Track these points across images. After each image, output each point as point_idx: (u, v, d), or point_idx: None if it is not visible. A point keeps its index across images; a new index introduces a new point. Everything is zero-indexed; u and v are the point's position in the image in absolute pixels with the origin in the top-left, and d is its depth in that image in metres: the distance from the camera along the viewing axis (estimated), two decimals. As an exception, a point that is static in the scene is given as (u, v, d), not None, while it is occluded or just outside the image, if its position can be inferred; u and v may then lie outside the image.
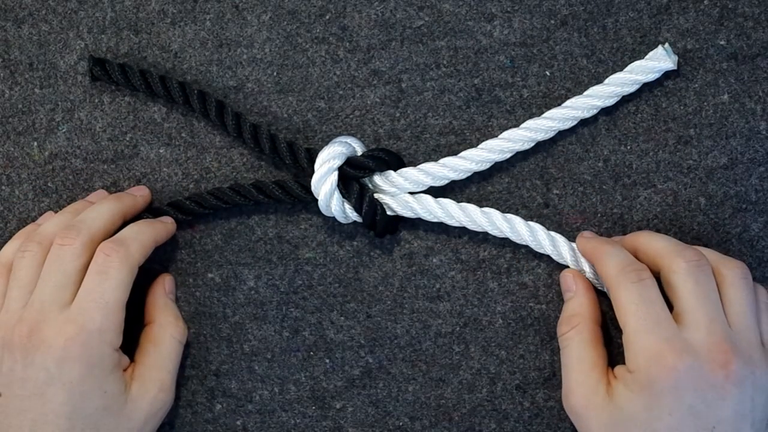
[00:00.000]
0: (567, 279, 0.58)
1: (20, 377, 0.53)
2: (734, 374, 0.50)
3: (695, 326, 0.52)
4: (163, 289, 0.59)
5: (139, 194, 0.60)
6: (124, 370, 0.56)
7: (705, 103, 0.59)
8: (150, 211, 0.60)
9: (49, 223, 0.58)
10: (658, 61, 0.57)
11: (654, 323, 0.52)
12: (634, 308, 0.53)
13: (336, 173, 0.57)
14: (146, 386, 0.56)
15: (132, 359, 0.57)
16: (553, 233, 0.58)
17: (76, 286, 0.54)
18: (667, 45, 0.58)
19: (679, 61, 0.58)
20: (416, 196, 0.58)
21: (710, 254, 0.55)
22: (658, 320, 0.52)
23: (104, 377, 0.53)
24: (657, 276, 0.55)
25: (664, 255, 0.54)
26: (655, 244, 0.55)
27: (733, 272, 0.54)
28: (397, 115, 0.60)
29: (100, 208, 0.57)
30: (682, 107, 0.59)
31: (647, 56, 0.58)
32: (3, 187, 0.61)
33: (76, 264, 0.55)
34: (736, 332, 0.52)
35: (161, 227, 0.58)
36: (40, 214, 0.61)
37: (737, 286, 0.53)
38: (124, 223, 0.58)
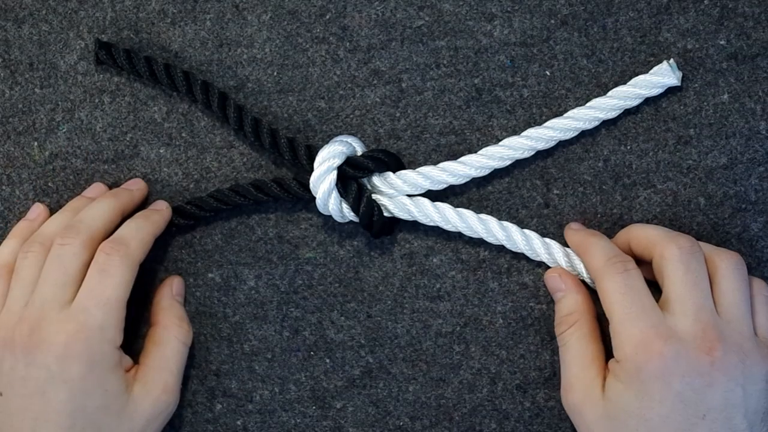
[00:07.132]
0: (554, 279, 0.57)
1: (22, 376, 0.53)
2: (720, 361, 0.50)
3: (682, 313, 0.52)
4: (170, 290, 0.60)
5: (136, 188, 0.60)
6: (128, 371, 0.56)
7: (705, 103, 0.59)
8: None
9: (50, 222, 0.58)
10: (663, 76, 0.57)
11: (640, 311, 0.52)
12: (620, 297, 0.53)
13: (335, 172, 0.57)
14: (148, 387, 0.56)
15: (137, 362, 0.57)
16: (548, 240, 0.58)
17: (76, 284, 0.55)
18: (672, 61, 0.57)
19: (679, 62, 0.58)
20: (414, 199, 0.58)
21: (705, 245, 0.55)
22: (643, 308, 0.52)
23: (105, 375, 0.54)
24: (650, 265, 0.55)
25: (657, 242, 0.54)
26: (648, 232, 0.55)
27: (726, 262, 0.53)
28: (397, 114, 0.60)
29: (98, 207, 0.57)
30: (682, 107, 0.59)
31: (651, 71, 0.57)
32: (3, 187, 0.61)
33: (76, 263, 0.55)
34: (725, 322, 0.52)
35: (158, 218, 0.58)
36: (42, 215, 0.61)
37: (730, 276, 0.53)
38: (123, 218, 0.58)
